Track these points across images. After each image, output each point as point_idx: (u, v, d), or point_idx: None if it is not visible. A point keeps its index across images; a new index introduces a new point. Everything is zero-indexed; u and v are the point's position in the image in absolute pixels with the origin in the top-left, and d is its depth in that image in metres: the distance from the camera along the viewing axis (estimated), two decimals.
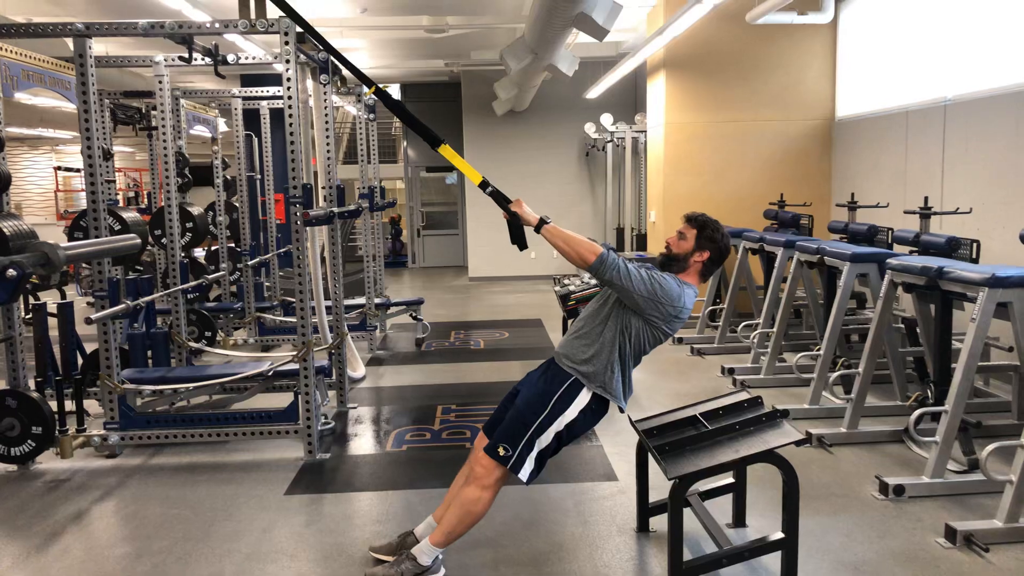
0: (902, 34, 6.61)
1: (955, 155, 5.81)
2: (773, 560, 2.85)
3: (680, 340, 6.96)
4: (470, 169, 3.05)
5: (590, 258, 2.65)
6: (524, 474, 2.71)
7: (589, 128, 11.31)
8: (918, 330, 4.47)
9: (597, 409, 2.80)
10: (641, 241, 10.08)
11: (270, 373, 4.48)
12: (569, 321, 5.97)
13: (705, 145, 7.98)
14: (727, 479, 3.29)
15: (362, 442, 4.49)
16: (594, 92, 10.30)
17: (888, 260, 4.22)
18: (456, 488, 2.97)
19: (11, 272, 1.48)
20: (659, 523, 3.22)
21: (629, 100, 11.77)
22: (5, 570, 3.01)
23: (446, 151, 3.01)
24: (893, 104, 6.70)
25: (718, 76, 7.93)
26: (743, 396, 3.08)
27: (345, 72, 5.66)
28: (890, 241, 5.28)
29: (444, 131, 13.25)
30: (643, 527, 3.22)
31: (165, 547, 3.16)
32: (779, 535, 2.72)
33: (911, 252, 4.75)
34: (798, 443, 2.74)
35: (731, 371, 5.69)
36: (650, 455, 2.97)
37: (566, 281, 6.21)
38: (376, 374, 6.18)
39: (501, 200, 2.92)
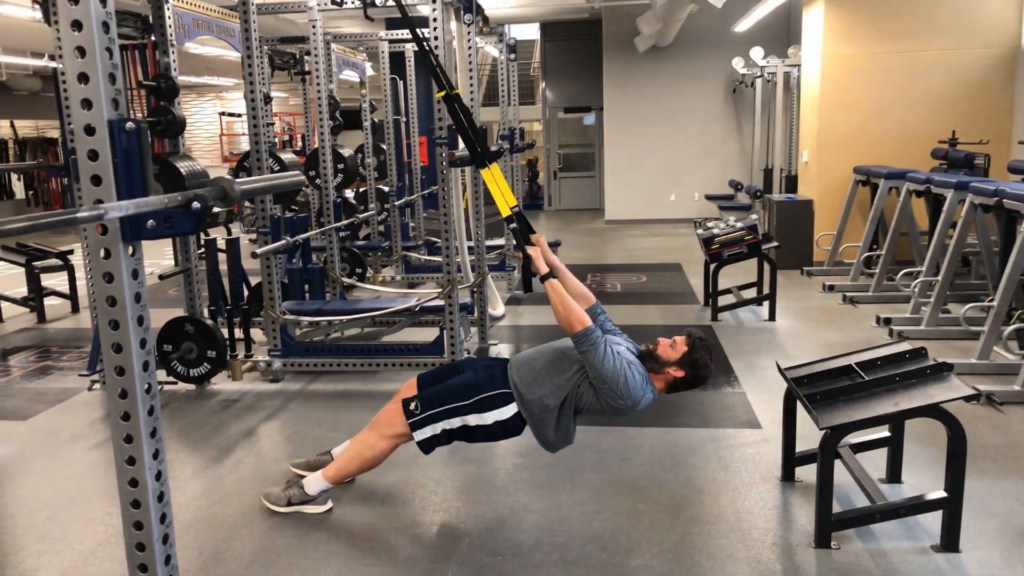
0: None
1: None
2: (930, 520, 2.71)
3: (831, 288, 6.61)
4: (504, 197, 3.09)
5: (577, 327, 2.68)
6: (419, 436, 2.79)
7: (737, 63, 10.75)
8: None
9: (513, 428, 2.82)
10: (791, 183, 9.57)
11: (417, 309, 4.66)
12: (712, 265, 5.80)
13: (867, 79, 7.38)
14: (881, 432, 3.12)
15: None
16: (744, 24, 9.74)
17: None
18: (374, 420, 3.04)
19: (195, 204, 1.59)
20: (805, 473, 3.12)
21: (782, 32, 11.05)
22: (186, 478, 3.35)
23: (487, 175, 3.11)
24: None
25: (883, 2, 7.27)
26: (905, 346, 2.90)
27: (488, 12, 5.64)
28: None
29: (584, 69, 13.17)
30: (788, 476, 3.13)
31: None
32: (940, 494, 2.57)
33: None
34: (967, 399, 2.56)
35: (887, 321, 5.35)
36: (799, 404, 2.87)
37: (709, 224, 6.02)
38: (515, 313, 6.30)
39: (521, 238, 2.98)
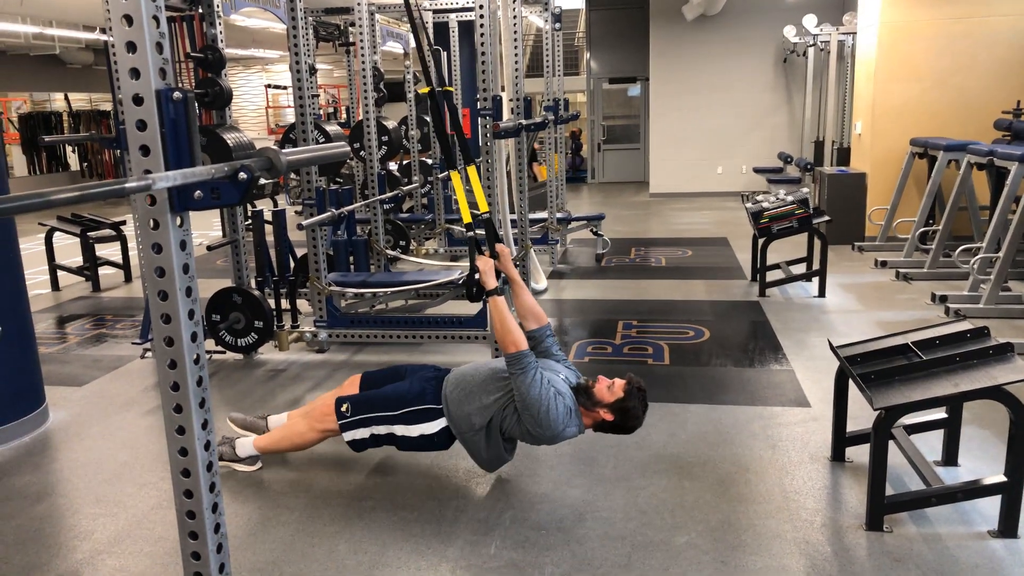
0: None
1: None
2: (987, 505, 2.63)
3: (884, 264, 6.42)
4: (478, 201, 3.17)
5: (511, 349, 2.66)
6: (348, 436, 2.87)
7: (788, 31, 10.42)
8: None
9: (439, 443, 2.84)
10: (843, 156, 9.29)
11: (460, 281, 4.65)
12: (760, 240, 5.67)
13: (926, 47, 7.08)
14: (937, 414, 3.03)
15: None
16: None
17: None
18: (309, 406, 3.12)
19: (242, 175, 1.58)
20: (856, 454, 3.05)
21: None
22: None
23: (457, 176, 3.19)
24: None
25: None
26: (965, 326, 2.79)
27: None
28: None
29: (629, 39, 12.92)
30: (838, 456, 3.06)
31: None
32: (999, 478, 2.48)
33: None
34: None
35: (943, 299, 5.18)
36: (851, 383, 2.79)
37: (759, 197, 5.88)
38: (557, 287, 6.26)
39: (476, 247, 2.97)
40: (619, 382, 2.76)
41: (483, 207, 3.17)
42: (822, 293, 5.58)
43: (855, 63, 8.19)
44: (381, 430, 2.86)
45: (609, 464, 3.10)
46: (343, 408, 2.89)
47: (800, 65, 10.96)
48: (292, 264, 4.98)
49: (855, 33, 8.31)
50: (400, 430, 2.85)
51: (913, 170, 7.01)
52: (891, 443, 2.74)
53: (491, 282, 2.84)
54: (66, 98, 15.34)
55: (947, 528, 2.56)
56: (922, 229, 6.53)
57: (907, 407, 2.49)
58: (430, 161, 7.88)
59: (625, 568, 2.42)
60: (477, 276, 2.87)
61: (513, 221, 5.39)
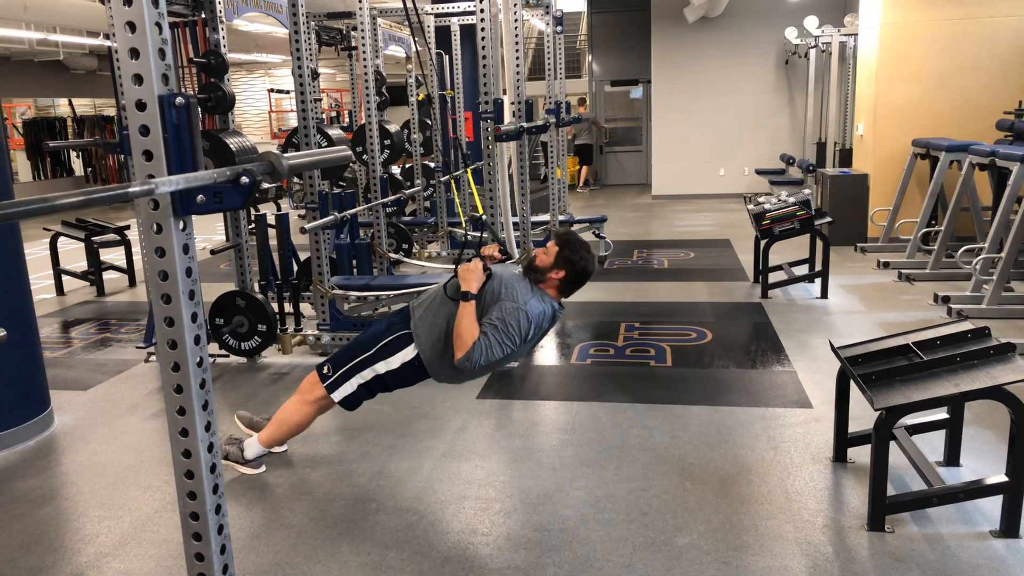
0: None
1: None
2: (989, 504, 2.63)
3: (886, 265, 6.42)
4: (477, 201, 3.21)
5: (459, 354, 2.68)
6: (337, 396, 2.89)
7: (790, 33, 10.44)
8: None
9: (421, 367, 2.86)
10: (846, 157, 9.29)
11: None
12: (763, 241, 5.68)
13: (928, 47, 7.09)
14: (939, 414, 3.03)
15: (547, 354, 4.60)
16: None
17: None
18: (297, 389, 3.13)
19: (244, 179, 1.59)
20: (858, 455, 3.05)
21: (837, 0, 10.68)
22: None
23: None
24: None
25: None
26: (966, 326, 2.79)
27: None
28: None
29: (631, 42, 12.93)
30: (840, 457, 3.07)
31: (371, 439, 3.45)
32: (1001, 478, 2.49)
33: None
34: None
35: (946, 300, 5.18)
36: (852, 383, 2.80)
37: (761, 199, 5.89)
38: None
39: (476, 246, 3.15)
40: (551, 242, 2.90)
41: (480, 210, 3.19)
42: (824, 294, 5.59)
43: (857, 64, 8.20)
44: (366, 375, 2.88)
45: (611, 466, 3.11)
46: (324, 370, 2.93)
47: (802, 67, 10.97)
48: (295, 267, 5.00)
49: (856, 34, 8.32)
50: (382, 366, 2.87)
51: (915, 171, 7.01)
52: (892, 443, 2.74)
53: (475, 286, 2.77)
54: (70, 103, 15.41)
55: (949, 528, 2.57)
56: (924, 230, 6.53)
57: (908, 407, 2.49)
58: (432, 165, 7.89)
59: (628, 568, 2.43)
60: (453, 277, 2.87)
61: (515, 224, 5.40)
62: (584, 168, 13.38)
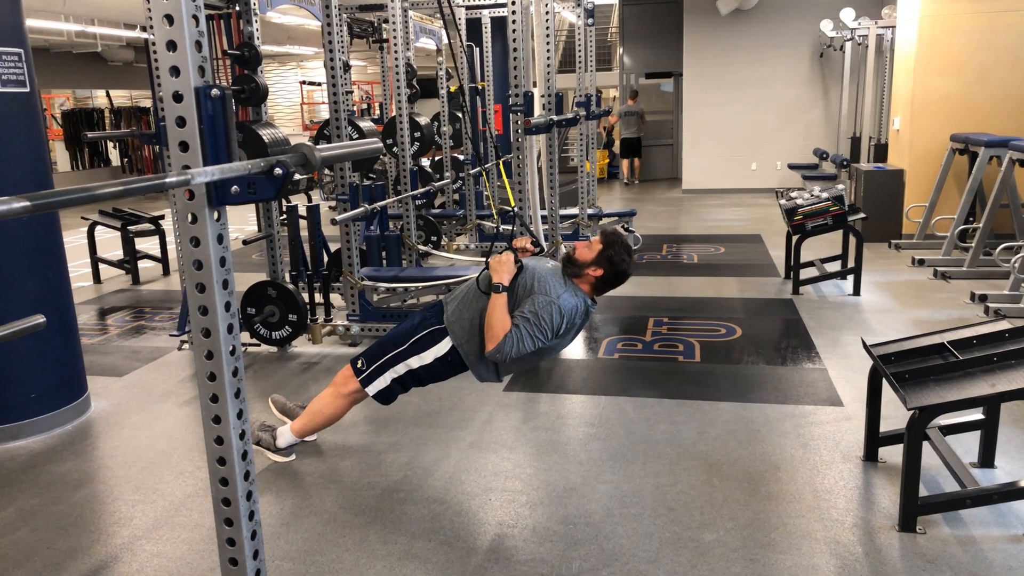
0: None
1: None
2: (1023, 507, 2.58)
3: (921, 262, 6.31)
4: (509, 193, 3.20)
5: (490, 346, 2.71)
6: (371, 390, 2.92)
7: (825, 25, 10.26)
8: None
9: (454, 362, 2.87)
10: (881, 152, 9.13)
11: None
12: (794, 237, 5.61)
13: (968, 40, 6.93)
14: (973, 415, 2.98)
15: (575, 348, 4.59)
16: None
17: None
18: (332, 381, 3.14)
19: (277, 170, 1.61)
20: (889, 454, 3.01)
21: None
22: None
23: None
24: None
25: None
26: (1004, 325, 2.74)
27: None
28: None
29: (663, 34, 12.81)
30: (871, 456, 3.02)
31: (400, 429, 3.48)
32: None
33: None
34: None
35: (983, 298, 5.08)
36: (885, 382, 2.76)
37: (793, 194, 5.82)
38: None
39: (510, 240, 3.10)
40: (595, 238, 2.87)
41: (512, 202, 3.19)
42: (857, 291, 5.51)
43: (894, 57, 8.04)
44: (399, 369, 2.90)
45: (638, 461, 3.10)
46: (359, 364, 2.96)
47: (836, 60, 10.79)
48: (326, 258, 5.04)
49: (894, 27, 8.16)
50: (415, 361, 2.89)
51: (953, 166, 6.87)
52: (925, 444, 2.70)
53: (507, 278, 2.79)
54: (107, 95, 15.68)
55: (982, 530, 2.52)
56: (962, 227, 6.40)
57: (942, 407, 2.45)
58: (462, 157, 7.91)
59: (653, 564, 2.42)
60: (485, 269, 2.88)
61: (543, 217, 5.40)
62: (636, 160, 13.29)
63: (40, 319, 1.77)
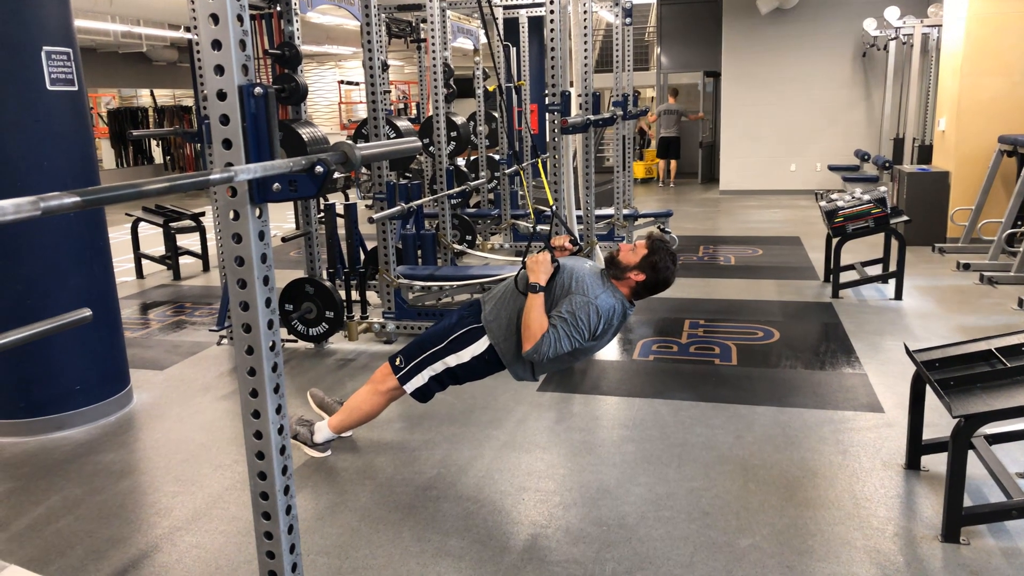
0: None
1: None
2: None
3: (966, 267, 6.15)
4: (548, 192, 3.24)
5: (527, 345, 2.72)
6: (409, 388, 2.94)
7: (869, 24, 10.07)
8: None
9: (491, 360, 2.88)
10: (925, 153, 8.94)
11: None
12: (834, 240, 5.51)
13: (1017, 40, 6.74)
14: (1020, 423, 2.90)
15: (609, 349, 4.57)
16: None
17: None
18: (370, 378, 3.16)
19: (318, 168, 1.63)
20: (932, 463, 2.94)
21: None
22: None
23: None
24: None
25: None
26: None
27: None
28: None
29: (701, 33, 12.69)
30: (913, 464, 2.96)
31: (434, 427, 3.49)
32: None
33: None
34: None
35: None
36: (928, 389, 2.69)
37: (833, 196, 5.72)
38: None
39: (547, 239, 3.11)
40: (640, 241, 2.85)
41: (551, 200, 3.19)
42: (899, 296, 5.39)
43: (940, 57, 7.86)
44: (437, 367, 2.92)
45: (673, 464, 3.08)
46: (397, 362, 2.98)
47: (880, 59, 10.58)
48: (362, 256, 5.09)
49: (940, 25, 7.98)
50: (453, 360, 2.91)
51: (1000, 169, 6.69)
52: (970, 452, 2.63)
53: (544, 278, 2.79)
54: (151, 94, 16.01)
55: None
56: (1009, 231, 6.23)
57: (989, 416, 2.39)
58: (497, 157, 7.92)
59: (688, 568, 2.40)
60: (522, 269, 2.88)
61: (579, 217, 5.38)
62: (673, 162, 12.97)
63: (86, 312, 1.81)
